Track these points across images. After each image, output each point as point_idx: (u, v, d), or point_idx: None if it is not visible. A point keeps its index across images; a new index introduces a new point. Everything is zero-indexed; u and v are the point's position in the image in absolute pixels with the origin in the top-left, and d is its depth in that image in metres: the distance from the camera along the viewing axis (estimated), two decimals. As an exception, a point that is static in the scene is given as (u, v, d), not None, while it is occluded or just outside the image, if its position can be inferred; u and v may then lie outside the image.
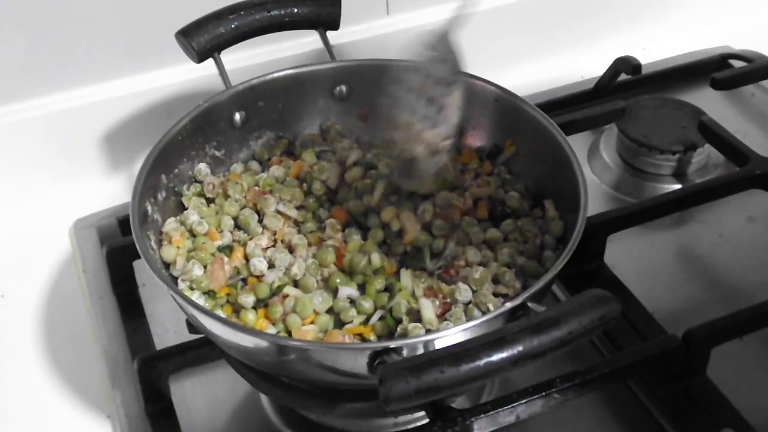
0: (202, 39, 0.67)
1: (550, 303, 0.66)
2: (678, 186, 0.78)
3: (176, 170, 0.64)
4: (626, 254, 0.71)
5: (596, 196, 0.78)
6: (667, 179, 0.79)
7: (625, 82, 0.87)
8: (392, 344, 0.48)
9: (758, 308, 0.63)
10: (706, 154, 0.80)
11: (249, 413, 0.62)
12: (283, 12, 0.68)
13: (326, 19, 0.69)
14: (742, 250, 0.73)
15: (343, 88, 0.69)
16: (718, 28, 0.97)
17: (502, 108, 0.67)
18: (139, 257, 0.56)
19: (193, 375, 0.64)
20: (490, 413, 0.57)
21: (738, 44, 0.94)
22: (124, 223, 0.74)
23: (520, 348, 0.43)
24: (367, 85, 0.68)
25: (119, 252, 0.69)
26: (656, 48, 0.95)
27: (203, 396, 0.63)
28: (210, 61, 0.85)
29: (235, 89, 0.67)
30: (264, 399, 0.63)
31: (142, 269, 0.70)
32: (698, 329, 0.60)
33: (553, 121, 0.64)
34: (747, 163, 0.74)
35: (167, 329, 0.67)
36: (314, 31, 0.70)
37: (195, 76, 0.83)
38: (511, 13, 0.92)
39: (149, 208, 0.60)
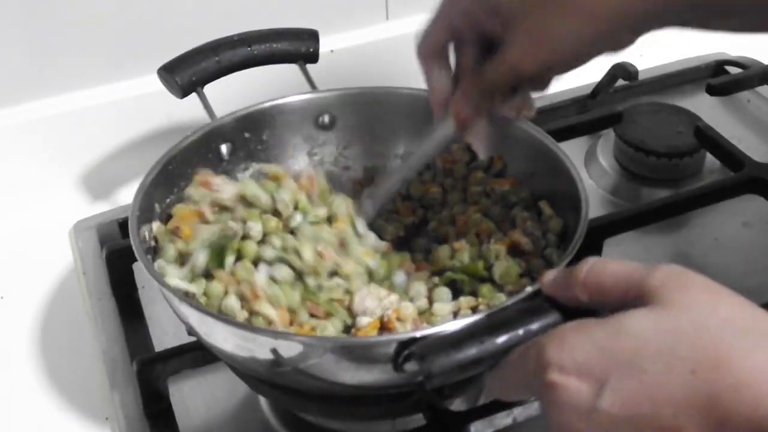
0: (185, 74, 0.68)
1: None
2: (674, 191, 0.78)
3: (168, 200, 0.63)
4: (623, 258, 0.71)
5: (593, 200, 0.78)
6: (664, 184, 0.79)
7: (622, 87, 0.88)
8: (418, 333, 0.47)
9: (753, 312, 0.63)
10: (701, 159, 0.81)
11: (247, 415, 0.63)
12: (264, 47, 0.70)
13: (306, 53, 0.71)
14: (738, 255, 0.73)
15: (326, 117, 0.69)
16: (714, 35, 0.97)
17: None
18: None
19: (191, 377, 0.64)
20: (486, 416, 0.57)
21: (733, 51, 0.94)
22: (124, 226, 0.74)
23: (557, 316, 0.42)
24: (349, 113, 0.69)
25: (119, 254, 0.70)
26: (653, 54, 0.95)
27: (202, 398, 0.63)
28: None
29: (220, 122, 0.67)
30: (262, 401, 0.63)
31: (141, 272, 0.70)
32: (693, 333, 0.60)
33: (547, 134, 0.64)
34: (742, 169, 0.75)
35: (166, 331, 0.67)
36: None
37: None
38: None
39: (146, 234, 0.60)
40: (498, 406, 0.57)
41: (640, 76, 0.85)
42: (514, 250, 0.61)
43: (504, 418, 0.58)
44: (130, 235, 0.56)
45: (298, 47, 0.70)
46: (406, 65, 0.69)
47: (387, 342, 0.48)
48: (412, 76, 0.70)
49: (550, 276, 0.44)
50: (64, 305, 0.72)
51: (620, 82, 0.87)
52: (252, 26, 0.71)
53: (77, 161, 0.82)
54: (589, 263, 0.43)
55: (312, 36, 0.71)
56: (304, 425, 0.61)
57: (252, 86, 0.74)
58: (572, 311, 0.42)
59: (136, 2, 0.79)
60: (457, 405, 0.60)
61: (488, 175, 0.67)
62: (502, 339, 0.42)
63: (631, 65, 0.84)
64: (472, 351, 0.42)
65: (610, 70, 0.86)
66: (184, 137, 0.64)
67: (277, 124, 0.68)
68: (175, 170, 0.63)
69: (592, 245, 0.69)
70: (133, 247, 0.56)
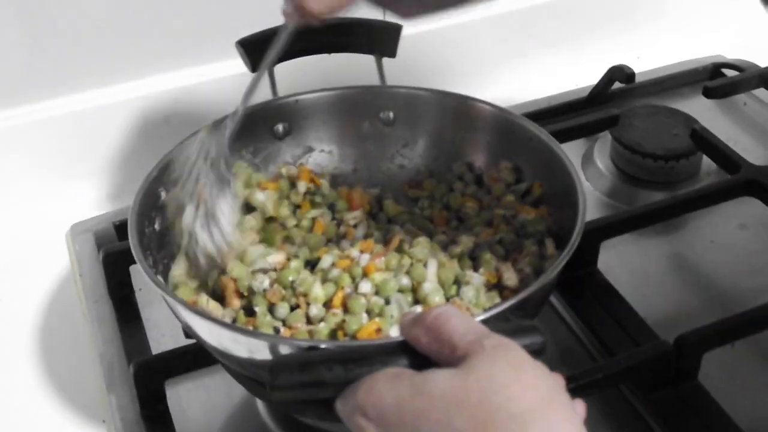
0: (259, 51, 0.66)
1: (546, 311, 0.67)
2: (670, 193, 0.78)
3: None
4: (619, 260, 0.72)
5: (590, 202, 0.77)
6: (660, 186, 0.79)
7: (619, 90, 0.88)
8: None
9: (749, 314, 0.63)
10: (698, 162, 0.81)
11: (244, 418, 0.63)
12: (341, 35, 0.69)
13: (384, 47, 0.69)
14: (734, 257, 0.73)
15: (390, 114, 0.69)
16: (710, 38, 0.98)
17: (499, 126, 0.67)
18: (135, 262, 0.56)
19: (188, 379, 0.64)
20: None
21: (730, 54, 0.94)
22: (120, 228, 0.74)
23: (406, 361, 0.43)
24: (412, 112, 0.69)
25: (115, 257, 0.70)
26: (650, 57, 0.96)
27: (199, 400, 0.63)
28: (210, 66, 0.86)
29: (280, 100, 0.67)
30: (260, 403, 0.63)
31: (138, 274, 0.70)
32: (690, 335, 0.60)
33: (550, 134, 0.64)
34: (738, 171, 0.75)
35: (163, 334, 0.67)
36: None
37: (194, 83, 0.83)
38: (506, 22, 0.93)
39: (163, 194, 0.61)
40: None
41: (637, 79, 0.86)
42: (499, 283, 0.60)
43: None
44: (129, 236, 0.56)
45: (377, 40, 0.69)
46: (402, 65, 0.69)
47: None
48: (407, 76, 0.71)
49: (409, 316, 0.44)
50: (61, 308, 0.72)
51: (617, 85, 0.87)
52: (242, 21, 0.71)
53: (74, 164, 0.82)
54: (439, 310, 0.43)
55: (394, 30, 0.69)
56: (301, 428, 0.61)
57: (319, 72, 0.73)
58: (424, 358, 0.43)
59: (135, 5, 0.79)
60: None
61: (525, 200, 0.65)
62: (350, 371, 0.42)
63: (628, 68, 0.85)
64: (318, 376, 0.43)
65: (606, 72, 0.86)
66: (184, 138, 0.65)
67: (335, 112, 0.68)
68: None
69: (589, 247, 0.69)
70: (132, 249, 0.56)
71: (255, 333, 0.54)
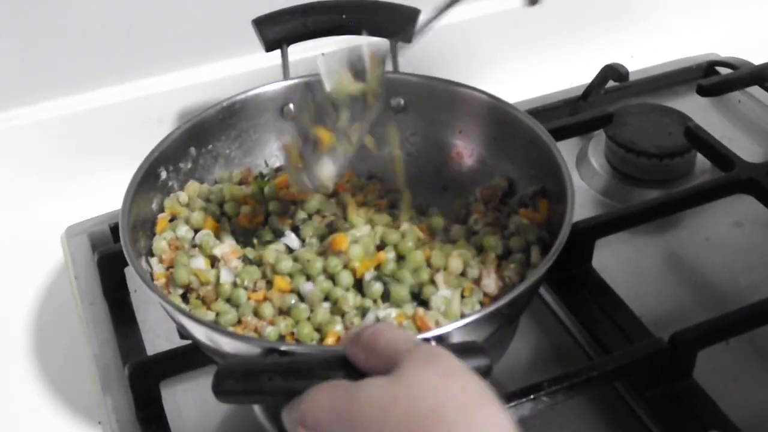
0: (273, 30, 0.68)
1: (541, 309, 0.68)
2: (665, 191, 0.78)
3: (210, 146, 0.65)
4: (614, 258, 0.72)
5: (585, 201, 0.79)
6: (655, 184, 0.79)
7: (613, 88, 0.88)
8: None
9: (744, 311, 0.63)
10: (692, 159, 0.81)
11: (240, 418, 0.63)
12: (357, 17, 0.69)
13: (400, 31, 0.68)
14: (729, 255, 0.73)
15: (401, 100, 0.69)
16: (704, 36, 0.98)
17: (493, 115, 0.67)
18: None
19: (184, 380, 0.64)
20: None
21: (724, 51, 0.95)
22: (115, 230, 0.74)
23: (343, 374, 0.43)
24: (423, 101, 0.69)
25: (110, 258, 0.70)
26: (644, 55, 0.96)
27: (194, 401, 0.63)
28: (202, 68, 0.86)
29: (289, 81, 0.68)
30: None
31: (133, 275, 0.70)
32: (685, 332, 0.61)
33: (544, 127, 0.64)
34: (733, 169, 0.75)
35: (158, 335, 0.67)
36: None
37: (186, 85, 0.83)
38: (501, 20, 0.93)
39: (164, 174, 0.61)
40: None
41: (631, 77, 0.86)
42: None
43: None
44: (121, 238, 0.56)
45: (392, 23, 0.68)
46: (411, 53, 0.69)
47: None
48: (413, 65, 0.70)
49: (349, 333, 0.45)
50: (56, 310, 0.72)
51: (611, 83, 0.87)
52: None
53: (68, 166, 0.82)
54: (374, 327, 0.44)
55: (410, 16, 0.68)
56: (296, 428, 0.61)
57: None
58: (363, 372, 0.43)
59: (130, 8, 0.79)
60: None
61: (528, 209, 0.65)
62: (290, 382, 0.44)
63: (622, 66, 0.85)
64: (259, 385, 0.44)
65: (601, 71, 0.87)
66: (167, 135, 0.65)
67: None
68: (226, 121, 0.65)
69: (584, 246, 0.69)
70: (124, 250, 0.56)
71: (241, 337, 0.55)
